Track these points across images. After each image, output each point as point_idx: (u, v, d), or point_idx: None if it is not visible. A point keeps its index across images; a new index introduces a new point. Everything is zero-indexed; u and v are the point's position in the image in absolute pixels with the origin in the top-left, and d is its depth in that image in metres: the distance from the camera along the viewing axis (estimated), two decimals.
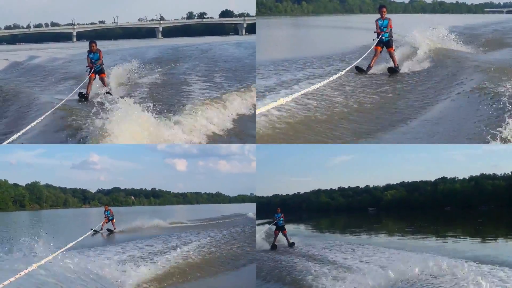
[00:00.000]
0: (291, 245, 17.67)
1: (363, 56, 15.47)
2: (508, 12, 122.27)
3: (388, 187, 74.59)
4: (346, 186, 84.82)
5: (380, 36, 16.09)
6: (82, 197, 68.04)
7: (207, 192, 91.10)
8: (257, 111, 9.71)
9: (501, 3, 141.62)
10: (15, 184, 57.86)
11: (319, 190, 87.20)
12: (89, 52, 15.62)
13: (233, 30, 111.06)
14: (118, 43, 60.30)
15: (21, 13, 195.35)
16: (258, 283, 11.47)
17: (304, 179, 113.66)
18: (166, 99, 14.31)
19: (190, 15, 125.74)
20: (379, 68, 16.36)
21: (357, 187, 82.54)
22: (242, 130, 12.09)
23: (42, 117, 10.95)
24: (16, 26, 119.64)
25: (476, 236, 20.39)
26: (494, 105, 9.99)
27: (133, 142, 10.12)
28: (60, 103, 12.70)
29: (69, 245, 9.31)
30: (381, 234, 25.74)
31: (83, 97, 15.09)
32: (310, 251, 15.90)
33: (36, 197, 58.25)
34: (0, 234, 21.84)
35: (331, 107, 12.02)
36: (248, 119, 12.86)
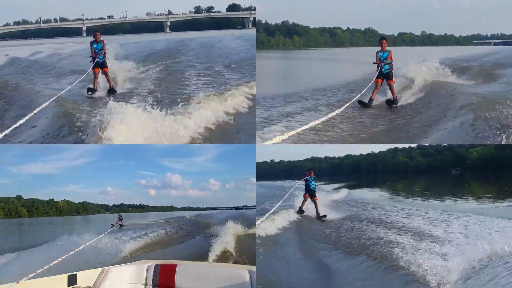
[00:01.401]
0: (322, 217, 16.75)
1: (359, 94, 15.29)
2: (496, 44, 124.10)
3: (475, 144, 66.29)
4: (427, 144, 69.96)
5: (380, 68, 15.94)
6: (105, 208, 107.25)
7: (165, 205, 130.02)
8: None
9: (489, 35, 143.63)
10: (73, 202, 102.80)
11: (396, 148, 78.80)
12: (93, 42, 15.93)
13: (240, 23, 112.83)
14: (126, 37, 64.36)
15: (30, 8, 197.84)
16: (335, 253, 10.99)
17: None
18: (168, 95, 14.67)
19: (198, 9, 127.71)
20: (378, 100, 16.22)
21: (439, 144, 67.87)
22: (243, 128, 12.48)
23: (38, 109, 11.14)
24: (25, 22, 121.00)
25: None
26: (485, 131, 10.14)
27: (134, 139, 10.26)
28: (57, 95, 12.83)
29: (100, 236, 16.99)
30: (468, 199, 24.11)
31: (91, 91, 15.48)
32: (389, 218, 15.61)
33: (86, 209, 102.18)
34: (67, 228, 37.84)
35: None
36: (248, 115, 13.45)
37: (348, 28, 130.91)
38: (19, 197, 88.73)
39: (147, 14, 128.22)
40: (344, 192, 30.08)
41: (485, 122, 10.98)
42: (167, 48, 31.44)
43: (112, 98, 12.44)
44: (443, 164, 64.36)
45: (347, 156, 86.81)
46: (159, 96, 14.48)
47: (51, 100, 12.29)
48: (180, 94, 15.06)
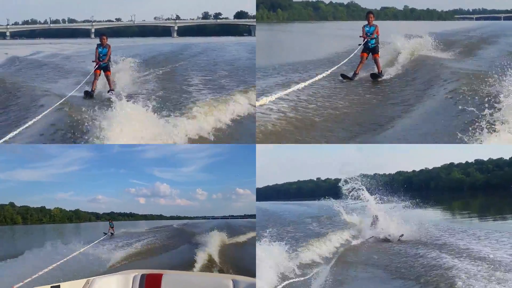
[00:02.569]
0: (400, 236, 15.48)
1: (344, 61, 15.68)
2: (477, 19, 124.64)
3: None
4: (486, 158, 68.73)
5: (366, 42, 16.04)
6: (96, 216, 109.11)
7: (154, 214, 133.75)
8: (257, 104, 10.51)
9: (470, 10, 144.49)
10: (65, 210, 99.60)
11: (451, 164, 72.09)
12: (99, 45, 15.63)
13: (247, 31, 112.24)
14: (134, 40, 64.45)
15: (39, 8, 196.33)
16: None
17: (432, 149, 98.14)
18: (168, 99, 14.44)
19: (206, 15, 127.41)
20: (363, 74, 16.49)
21: (500, 158, 66.04)
22: (242, 131, 12.33)
23: (40, 116, 11.14)
24: (34, 22, 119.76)
25: None
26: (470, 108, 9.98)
27: (134, 142, 10.27)
28: (63, 100, 12.70)
29: (92, 244, 16.67)
30: None
31: (88, 94, 15.16)
32: (447, 241, 14.28)
33: (78, 217, 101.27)
34: (60, 235, 37.58)
35: (314, 112, 12.23)
36: (248, 119, 13.15)
37: (331, 2, 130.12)
38: (12, 204, 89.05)
39: (155, 18, 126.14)
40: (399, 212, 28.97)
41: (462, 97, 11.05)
42: (171, 52, 31.09)
43: (112, 100, 12.61)
44: (503, 180, 57.97)
45: (398, 173, 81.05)
46: (160, 99, 13.88)
47: (57, 103, 12.31)
48: (180, 99, 14.88)
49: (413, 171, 79.95)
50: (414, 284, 9.50)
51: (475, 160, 70.33)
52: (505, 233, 15.32)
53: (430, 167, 76.67)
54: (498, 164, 65.46)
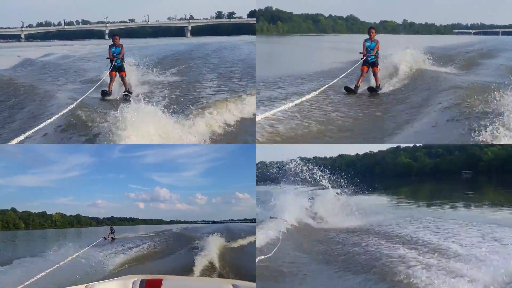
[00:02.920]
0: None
1: (338, 78, 15.88)
2: (475, 34, 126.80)
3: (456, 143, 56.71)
4: (401, 144, 61.65)
5: (365, 58, 16.29)
6: (97, 221, 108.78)
7: (154, 219, 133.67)
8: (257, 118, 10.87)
9: (469, 25, 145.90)
10: (66, 215, 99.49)
11: (398, 148, 67.85)
12: (112, 46, 16.22)
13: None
14: (147, 41, 65.05)
15: (53, 10, 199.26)
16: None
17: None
18: (178, 99, 14.79)
19: (219, 15, 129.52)
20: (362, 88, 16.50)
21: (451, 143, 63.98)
22: (243, 132, 12.64)
23: (57, 115, 11.32)
24: (48, 24, 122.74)
25: None
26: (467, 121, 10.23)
27: (147, 142, 10.39)
28: (78, 101, 12.84)
29: (90, 246, 15.96)
30: (483, 206, 21.83)
31: (106, 94, 15.75)
32: (387, 229, 14.18)
33: (79, 222, 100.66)
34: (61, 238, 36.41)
35: (313, 125, 12.37)
36: (249, 120, 13.49)
37: (330, 15, 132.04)
38: (14, 210, 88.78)
39: (168, 19, 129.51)
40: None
41: (470, 115, 11.03)
42: (184, 52, 31.50)
43: (127, 100, 12.83)
44: (453, 165, 56.63)
45: (340, 157, 75.84)
46: (173, 97, 14.55)
47: (75, 103, 12.47)
48: (191, 98, 15.39)
49: (357, 154, 76.23)
50: (359, 276, 9.11)
51: (423, 144, 63.43)
52: (449, 221, 15.30)
53: (375, 151, 72.83)
54: (448, 148, 62.18)
